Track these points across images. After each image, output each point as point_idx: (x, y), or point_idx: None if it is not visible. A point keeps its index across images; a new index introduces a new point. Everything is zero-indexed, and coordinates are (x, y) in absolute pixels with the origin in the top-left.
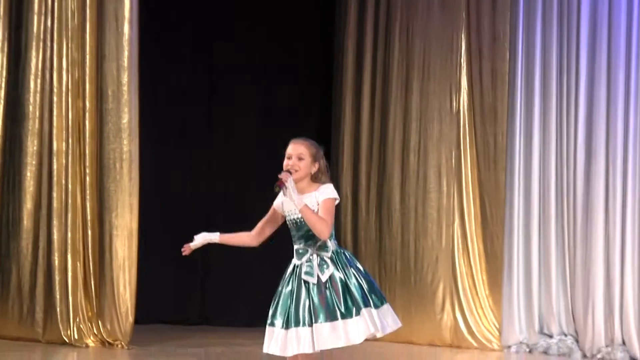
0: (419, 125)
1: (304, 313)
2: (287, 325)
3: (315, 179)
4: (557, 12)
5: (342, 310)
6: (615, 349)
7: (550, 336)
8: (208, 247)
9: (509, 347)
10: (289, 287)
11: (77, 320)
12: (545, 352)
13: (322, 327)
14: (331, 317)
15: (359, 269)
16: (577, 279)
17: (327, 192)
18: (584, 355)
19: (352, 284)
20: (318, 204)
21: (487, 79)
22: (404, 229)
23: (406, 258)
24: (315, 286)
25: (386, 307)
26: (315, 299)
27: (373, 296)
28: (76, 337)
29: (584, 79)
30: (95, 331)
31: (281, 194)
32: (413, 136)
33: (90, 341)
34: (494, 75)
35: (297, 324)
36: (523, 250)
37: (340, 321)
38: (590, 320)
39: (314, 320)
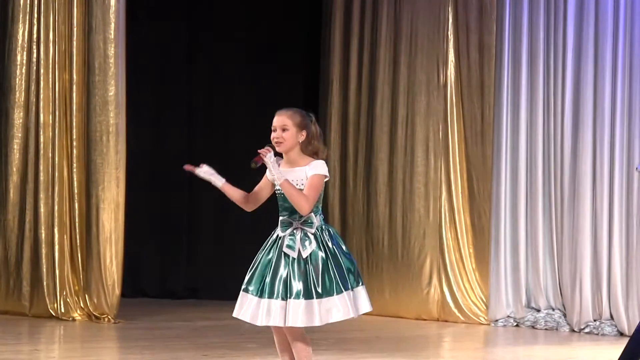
0: (406, 98)
1: (279, 285)
2: (260, 294)
3: (307, 146)
4: None
5: (319, 289)
6: (602, 323)
7: (538, 310)
8: (196, 218)
9: (496, 321)
10: (269, 256)
11: (64, 293)
12: (533, 326)
13: (297, 303)
14: (307, 295)
15: (342, 248)
16: (565, 253)
17: (317, 168)
18: (572, 330)
19: (333, 263)
20: (307, 179)
21: (474, 52)
22: (391, 202)
23: (394, 232)
24: (295, 261)
25: (360, 289)
26: (294, 274)
27: (351, 277)
28: (63, 310)
29: (571, 51)
30: (82, 305)
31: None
32: (401, 110)
33: (77, 315)
34: (481, 49)
35: (270, 295)
36: (510, 224)
37: (315, 300)
38: (578, 295)
39: (288, 295)
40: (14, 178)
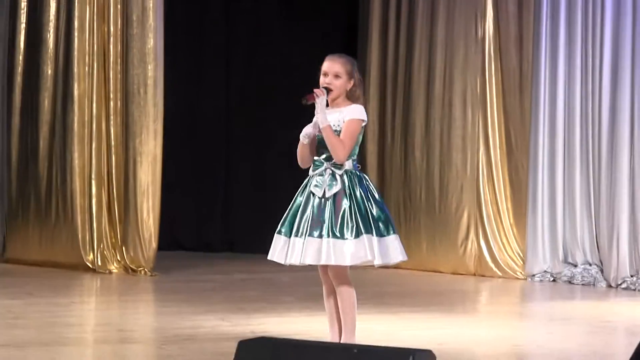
0: (444, 52)
1: (304, 224)
2: (289, 234)
3: (351, 94)
4: None
5: (335, 230)
6: None
7: (575, 265)
8: (232, 171)
9: (533, 276)
10: (300, 197)
11: (101, 246)
12: (570, 282)
13: (312, 242)
14: (321, 234)
15: (372, 195)
16: (602, 208)
17: (355, 112)
18: (609, 285)
19: (356, 206)
20: (344, 121)
21: (513, 5)
22: (429, 156)
23: (431, 186)
24: (319, 200)
25: (392, 238)
26: (316, 213)
27: (380, 224)
28: (99, 263)
29: (610, 2)
30: (118, 257)
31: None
32: (438, 63)
33: (114, 267)
34: (520, 2)
35: (296, 234)
36: (548, 179)
37: (330, 239)
38: (615, 250)
39: (306, 233)
40: (44, 129)
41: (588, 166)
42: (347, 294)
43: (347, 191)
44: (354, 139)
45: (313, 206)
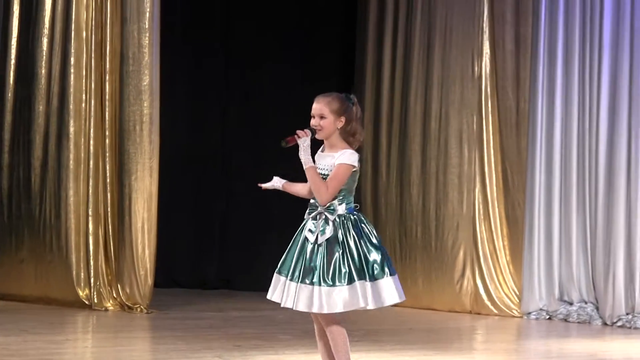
0: (440, 90)
1: (299, 269)
2: (286, 276)
3: (345, 131)
4: None
5: (328, 277)
6: (635, 317)
7: (571, 303)
8: (229, 209)
9: (529, 314)
10: (297, 239)
11: (97, 283)
12: (565, 319)
13: (304, 288)
14: (312, 281)
15: (368, 239)
16: (598, 246)
17: (344, 157)
18: (604, 323)
19: (349, 253)
20: (334, 165)
21: (510, 43)
22: (424, 194)
23: (427, 224)
24: (312, 245)
25: (387, 280)
26: (309, 259)
27: (375, 267)
28: (95, 300)
29: (607, 43)
30: (114, 295)
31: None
32: (434, 101)
33: (110, 305)
34: (517, 40)
35: (291, 277)
36: (544, 217)
37: (321, 288)
38: (611, 288)
39: (299, 279)
40: (37, 165)
41: (584, 204)
42: (337, 333)
43: (340, 237)
44: (341, 183)
45: (306, 251)
